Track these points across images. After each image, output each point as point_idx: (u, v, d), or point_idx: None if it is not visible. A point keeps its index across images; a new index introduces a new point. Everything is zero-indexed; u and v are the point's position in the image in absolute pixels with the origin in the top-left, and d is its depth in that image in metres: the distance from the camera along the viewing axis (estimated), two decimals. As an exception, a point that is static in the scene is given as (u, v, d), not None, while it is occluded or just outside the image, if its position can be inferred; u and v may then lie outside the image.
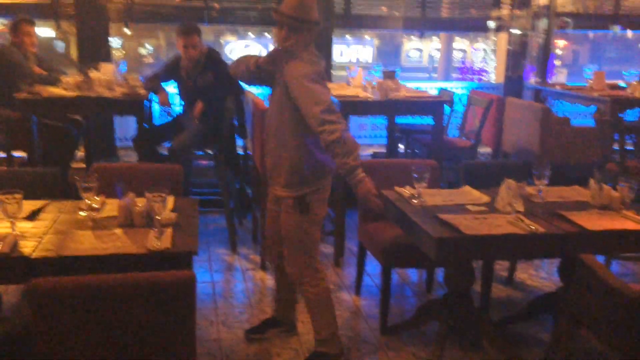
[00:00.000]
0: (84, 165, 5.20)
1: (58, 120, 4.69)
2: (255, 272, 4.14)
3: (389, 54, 23.08)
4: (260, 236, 4.28)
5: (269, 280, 4.00)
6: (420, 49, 23.79)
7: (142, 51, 21.74)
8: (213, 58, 4.45)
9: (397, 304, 3.72)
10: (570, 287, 2.87)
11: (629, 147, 5.25)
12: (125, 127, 5.87)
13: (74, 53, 7.30)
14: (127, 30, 5.97)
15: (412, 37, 22.90)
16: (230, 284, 4.00)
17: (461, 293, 3.08)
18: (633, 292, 2.43)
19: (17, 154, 4.72)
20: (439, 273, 4.00)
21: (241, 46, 18.75)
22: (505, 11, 6.50)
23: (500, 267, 4.16)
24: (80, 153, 5.29)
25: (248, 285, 3.94)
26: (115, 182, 2.97)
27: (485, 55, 20.63)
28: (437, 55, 22.31)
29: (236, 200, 4.86)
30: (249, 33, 20.13)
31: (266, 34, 19.76)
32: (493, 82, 8.11)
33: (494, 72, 18.79)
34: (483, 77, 18.70)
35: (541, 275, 4.21)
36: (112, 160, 5.36)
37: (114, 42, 8.25)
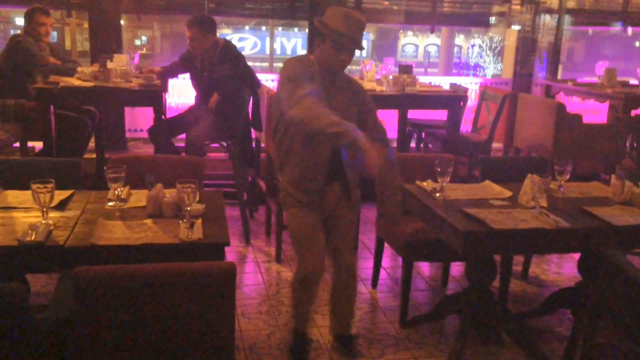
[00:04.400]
0: (94, 156, 5.20)
1: (72, 111, 4.67)
2: (271, 264, 4.15)
3: (384, 49, 23.09)
4: (276, 228, 4.27)
5: (285, 272, 4.02)
6: (416, 44, 23.83)
7: (137, 42, 21.68)
8: (229, 50, 4.45)
9: (412, 297, 3.74)
10: (592, 282, 2.91)
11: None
12: (132, 119, 5.87)
13: (67, 43, 7.25)
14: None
15: (409, 32, 22.94)
16: (247, 276, 4.00)
17: (482, 287, 3.11)
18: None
19: (29, 143, 4.72)
20: (453, 267, 4.03)
21: (236, 39, 18.70)
22: (513, 6, 6.53)
23: (515, 261, 4.19)
24: (90, 144, 5.28)
25: (264, 278, 3.95)
26: (140, 172, 2.98)
27: (481, 51, 20.72)
28: (433, 50, 22.36)
29: (249, 192, 4.86)
30: (246, 26, 20.05)
31: (263, 27, 19.70)
32: (489, 77, 8.14)
33: (489, 68, 18.80)
34: (478, 73, 18.78)
35: (553, 270, 4.25)
36: (122, 152, 5.35)
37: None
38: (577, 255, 3.33)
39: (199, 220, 2.56)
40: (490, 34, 19.16)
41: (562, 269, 4.27)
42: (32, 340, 1.93)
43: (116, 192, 2.73)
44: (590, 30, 18.01)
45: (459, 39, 22.99)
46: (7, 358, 1.92)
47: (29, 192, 2.76)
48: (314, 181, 2.89)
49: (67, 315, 1.99)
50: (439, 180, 3.11)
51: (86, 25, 6.95)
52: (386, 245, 3.73)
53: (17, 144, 4.57)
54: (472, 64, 20.45)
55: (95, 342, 1.94)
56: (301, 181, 2.89)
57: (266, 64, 13.00)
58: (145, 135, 5.78)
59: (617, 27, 7.55)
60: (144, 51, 21.82)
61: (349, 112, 2.85)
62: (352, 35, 2.74)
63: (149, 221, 2.58)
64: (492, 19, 7.45)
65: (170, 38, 19.36)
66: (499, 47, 19.68)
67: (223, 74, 4.40)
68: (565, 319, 3.47)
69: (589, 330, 2.92)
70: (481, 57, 20.49)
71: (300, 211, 2.91)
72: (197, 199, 2.82)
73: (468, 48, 22.14)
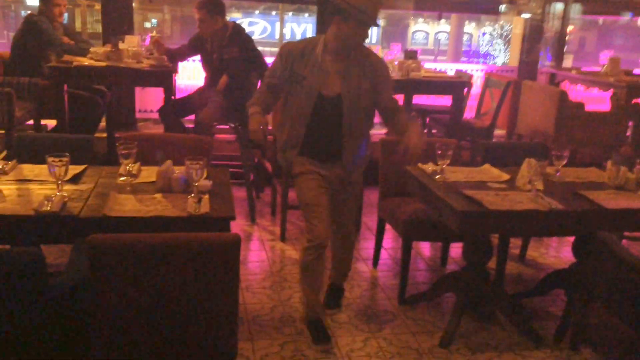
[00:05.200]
0: (105, 135, 5.32)
1: (84, 90, 4.79)
2: (275, 242, 4.27)
3: (394, 35, 23.02)
4: (279, 208, 4.38)
5: (289, 250, 4.14)
6: (426, 31, 23.76)
7: (147, 25, 21.76)
8: (238, 33, 4.54)
9: (411, 276, 3.85)
10: (585, 263, 3.01)
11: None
12: (142, 99, 5.98)
13: (77, 25, 7.34)
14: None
15: (419, 19, 22.89)
16: (251, 253, 4.13)
17: (479, 267, 3.22)
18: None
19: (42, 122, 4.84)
20: (452, 249, 4.14)
21: (246, 23, 18.67)
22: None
23: (513, 245, 4.29)
24: (101, 124, 5.39)
25: (269, 255, 4.07)
26: (150, 150, 3.10)
27: (491, 39, 20.66)
28: (443, 37, 22.30)
29: (255, 173, 4.97)
30: (256, 11, 20.02)
31: (273, 12, 19.68)
32: (498, 65, 8.16)
33: (500, 56, 18.68)
34: (488, 62, 18.74)
35: (551, 254, 4.35)
36: (132, 132, 5.46)
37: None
38: (574, 240, 3.43)
39: (207, 196, 2.68)
40: (502, 22, 19.10)
41: (560, 253, 4.36)
42: (48, 303, 2.05)
43: (127, 167, 2.85)
44: (601, 19, 17.93)
45: (470, 27, 22.91)
46: (25, 319, 2.04)
47: (43, 166, 2.89)
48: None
49: (81, 280, 2.11)
50: (439, 163, 3.21)
51: (97, 6, 7.01)
52: (388, 227, 3.84)
53: (31, 122, 4.70)
54: (483, 52, 20.42)
55: (106, 306, 2.07)
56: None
57: (275, 49, 12.97)
58: (154, 116, 5.90)
59: (627, 17, 7.58)
60: (154, 34, 21.92)
61: (360, 86, 2.98)
62: (373, 12, 2.85)
63: (158, 195, 2.69)
64: (503, 7, 7.49)
65: (180, 21, 19.42)
66: (510, 36, 19.60)
67: (232, 56, 4.49)
68: (558, 300, 3.58)
69: (581, 311, 3.02)
70: (492, 45, 20.45)
71: (310, 177, 3.02)
72: (205, 175, 2.95)
73: (479, 36, 22.08)
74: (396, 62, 4.56)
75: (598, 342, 3.17)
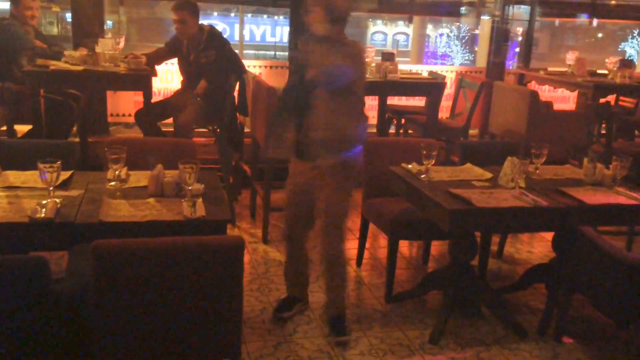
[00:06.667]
0: (77, 140, 5.22)
1: (57, 94, 4.70)
2: (258, 244, 4.28)
3: (353, 37, 23.08)
4: (263, 211, 4.38)
5: (272, 252, 4.15)
6: (385, 32, 24.02)
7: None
8: (214, 37, 4.53)
9: (395, 275, 3.90)
10: (568, 257, 3.11)
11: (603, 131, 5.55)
12: (114, 104, 5.89)
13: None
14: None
15: (378, 20, 23.12)
16: (234, 256, 4.12)
17: (464, 264, 3.30)
18: (632, 259, 2.68)
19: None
20: (432, 247, 4.21)
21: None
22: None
23: (491, 242, 4.40)
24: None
25: (252, 257, 4.07)
26: (135, 154, 3.08)
27: (449, 41, 21.03)
28: (401, 39, 22.60)
29: (233, 176, 4.96)
30: (214, 12, 19.90)
31: (232, 13, 19.57)
32: (456, 65, 8.30)
33: (457, 57, 18.99)
34: (446, 62, 19.10)
35: (527, 250, 4.47)
36: (104, 136, 5.38)
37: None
38: (546, 236, 3.53)
39: (200, 199, 2.68)
40: (459, 23, 19.45)
41: (533, 248, 4.49)
42: (51, 310, 2.03)
43: (116, 172, 2.83)
44: (557, 21, 18.44)
45: (428, 29, 23.24)
46: (28, 327, 2.01)
47: (29, 172, 2.86)
48: None
49: (82, 286, 2.10)
50: (425, 162, 3.28)
51: (54, 8, 6.79)
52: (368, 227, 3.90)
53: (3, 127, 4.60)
54: (440, 54, 20.77)
55: (111, 311, 2.06)
56: None
57: (236, 51, 12.87)
58: (126, 120, 5.84)
59: (583, 19, 7.83)
60: (109, 36, 21.53)
61: None
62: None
63: (151, 200, 2.68)
64: (463, 9, 7.66)
65: (137, 23, 19.16)
66: (467, 37, 19.98)
67: (209, 60, 4.48)
68: (538, 294, 3.69)
69: (564, 303, 3.13)
70: (449, 46, 20.82)
71: None
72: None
73: (436, 37, 22.43)
74: (374, 64, 4.63)
75: (581, 333, 3.29)
